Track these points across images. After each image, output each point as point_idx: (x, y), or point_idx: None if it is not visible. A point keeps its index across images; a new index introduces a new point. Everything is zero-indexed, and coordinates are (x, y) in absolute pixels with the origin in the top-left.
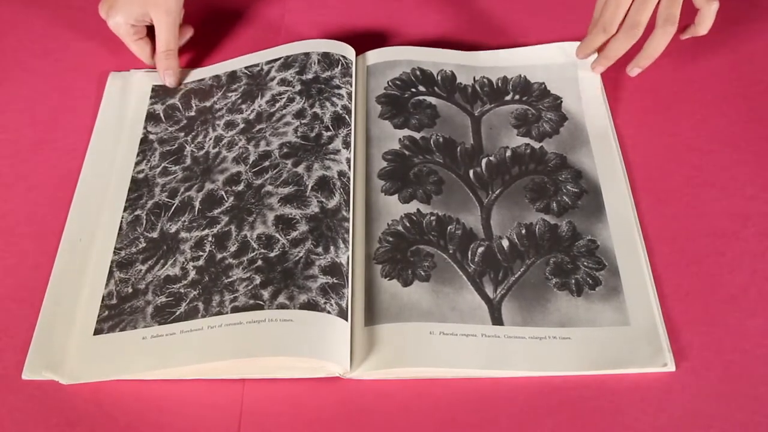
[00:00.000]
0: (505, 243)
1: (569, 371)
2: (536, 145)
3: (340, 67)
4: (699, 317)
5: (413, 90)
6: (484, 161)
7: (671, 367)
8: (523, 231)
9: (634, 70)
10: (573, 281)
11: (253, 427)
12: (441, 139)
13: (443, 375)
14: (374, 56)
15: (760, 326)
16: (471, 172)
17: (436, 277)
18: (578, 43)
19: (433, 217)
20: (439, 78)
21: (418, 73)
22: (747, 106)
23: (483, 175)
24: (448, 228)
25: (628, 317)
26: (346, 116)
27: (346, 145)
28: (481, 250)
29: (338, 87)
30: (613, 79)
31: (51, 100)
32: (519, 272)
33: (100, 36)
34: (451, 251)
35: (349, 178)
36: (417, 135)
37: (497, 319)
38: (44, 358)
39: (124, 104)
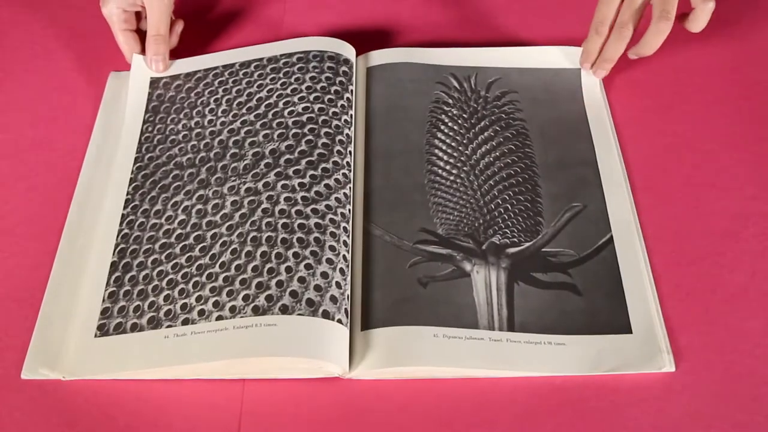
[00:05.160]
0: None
1: (567, 372)
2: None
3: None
4: (699, 317)
5: None
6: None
7: (670, 369)
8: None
9: (632, 55)
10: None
11: (253, 427)
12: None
13: (443, 375)
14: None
15: (760, 326)
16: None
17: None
18: (580, 49)
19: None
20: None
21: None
22: (747, 106)
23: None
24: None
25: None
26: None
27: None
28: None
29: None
30: (613, 79)
31: (51, 100)
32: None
33: (100, 36)
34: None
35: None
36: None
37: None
38: (43, 357)
39: (124, 102)
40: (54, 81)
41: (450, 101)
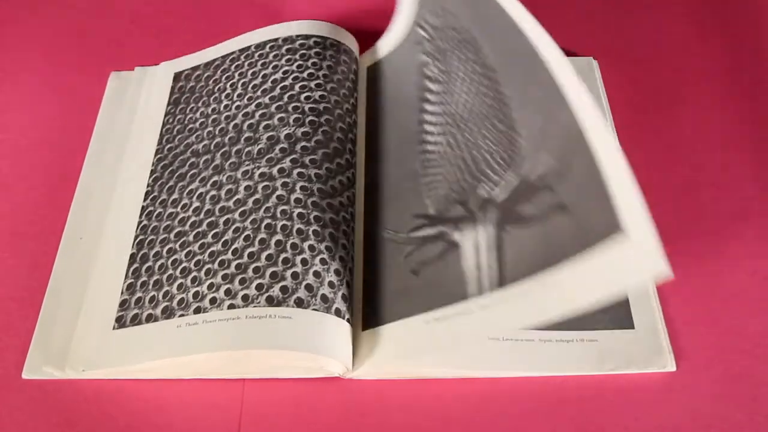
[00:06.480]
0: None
1: (568, 371)
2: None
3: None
4: (699, 317)
5: None
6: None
7: (671, 368)
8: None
9: None
10: None
11: (253, 427)
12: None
13: (443, 374)
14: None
15: (760, 326)
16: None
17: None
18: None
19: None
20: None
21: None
22: (747, 106)
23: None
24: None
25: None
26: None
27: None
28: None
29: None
30: (613, 78)
31: (51, 100)
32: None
33: (100, 36)
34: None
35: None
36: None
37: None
38: (44, 356)
39: (132, 101)
40: (54, 81)
41: (429, 60)
